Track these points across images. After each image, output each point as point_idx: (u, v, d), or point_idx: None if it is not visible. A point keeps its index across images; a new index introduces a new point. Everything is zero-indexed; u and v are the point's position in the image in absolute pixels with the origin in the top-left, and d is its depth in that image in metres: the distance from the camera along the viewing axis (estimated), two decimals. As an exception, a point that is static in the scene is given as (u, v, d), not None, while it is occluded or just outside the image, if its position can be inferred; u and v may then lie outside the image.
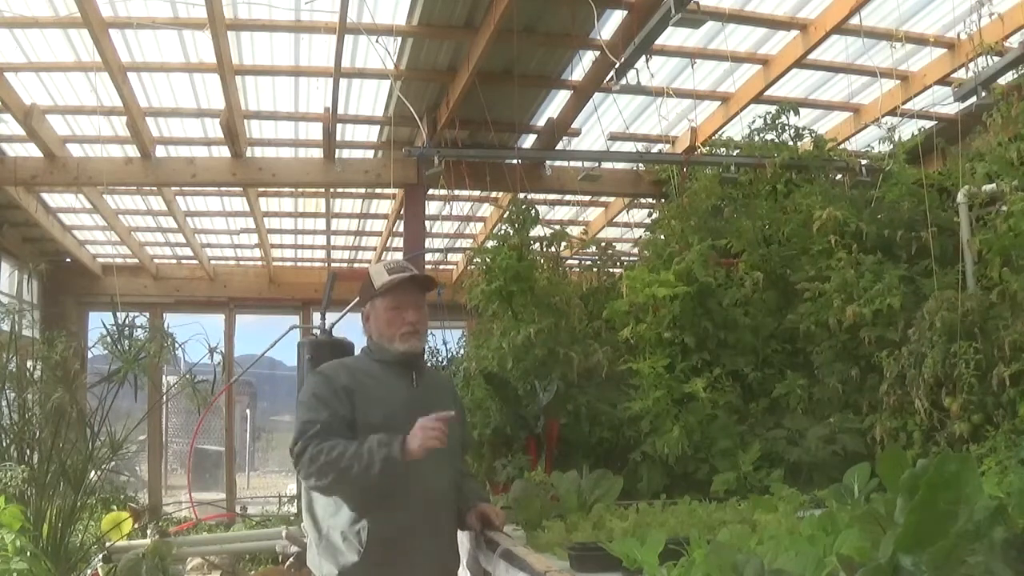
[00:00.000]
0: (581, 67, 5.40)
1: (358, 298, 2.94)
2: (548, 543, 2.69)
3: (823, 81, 6.01)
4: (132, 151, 6.36)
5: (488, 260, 5.12)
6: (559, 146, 6.39)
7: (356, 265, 10.32)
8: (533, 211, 5.35)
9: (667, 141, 6.72)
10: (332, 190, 7.79)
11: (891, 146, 5.67)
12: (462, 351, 6.24)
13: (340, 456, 2.46)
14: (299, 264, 10.88)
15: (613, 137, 6.63)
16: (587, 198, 8.16)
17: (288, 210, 8.69)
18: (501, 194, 7.66)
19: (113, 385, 5.12)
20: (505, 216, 5.65)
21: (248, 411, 17.42)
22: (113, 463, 5.56)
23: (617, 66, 4.63)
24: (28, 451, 5.06)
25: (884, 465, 1.82)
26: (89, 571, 5.30)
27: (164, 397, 8.33)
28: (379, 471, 2.44)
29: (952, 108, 5.59)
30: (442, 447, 2.49)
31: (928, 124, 6.06)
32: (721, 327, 4.83)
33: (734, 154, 6.31)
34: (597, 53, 5.08)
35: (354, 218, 9.03)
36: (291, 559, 2.85)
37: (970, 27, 4.66)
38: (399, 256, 8.22)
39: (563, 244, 5.59)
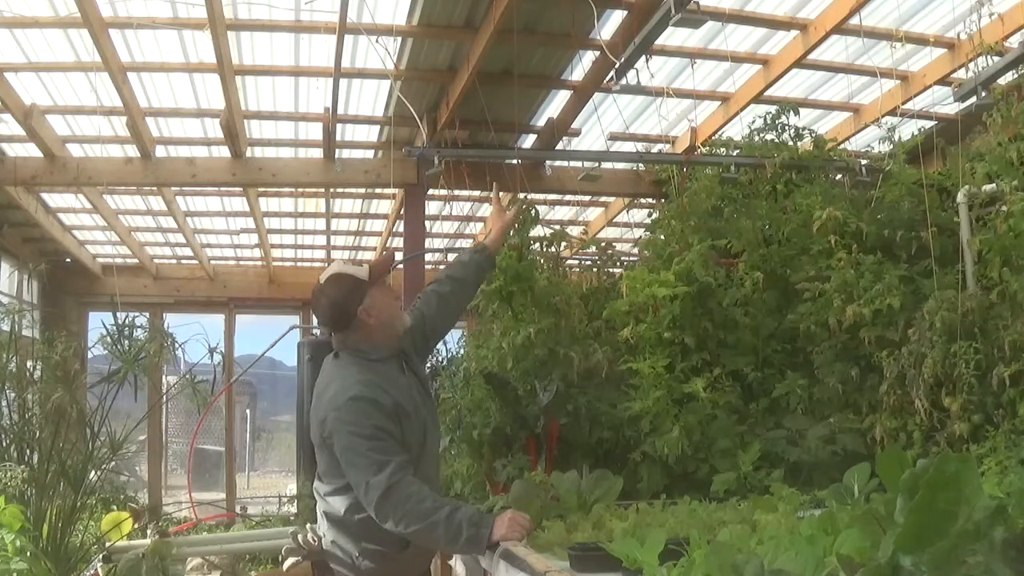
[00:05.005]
0: (581, 67, 5.39)
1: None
2: (548, 543, 2.68)
3: (823, 81, 6.01)
4: (132, 151, 6.35)
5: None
6: (559, 146, 6.38)
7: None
8: (533, 211, 5.35)
9: (667, 141, 6.72)
10: (332, 190, 7.79)
11: (891, 146, 5.67)
12: (462, 351, 6.24)
13: (429, 512, 2.50)
14: (299, 264, 10.88)
15: (613, 137, 6.63)
16: (587, 198, 8.15)
17: (288, 210, 8.69)
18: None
19: (113, 385, 5.12)
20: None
21: (248, 411, 17.41)
22: (113, 463, 5.55)
23: (617, 66, 4.62)
24: (28, 451, 5.06)
25: (884, 465, 1.82)
26: (89, 571, 5.30)
27: (164, 397, 8.33)
28: (461, 545, 2.53)
29: (952, 108, 5.58)
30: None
31: (928, 124, 6.05)
32: (721, 327, 4.82)
33: (734, 154, 6.30)
34: (597, 53, 5.08)
35: (354, 218, 9.02)
36: (296, 560, 2.81)
37: (970, 27, 4.65)
38: (398, 256, 8.21)
39: (563, 244, 5.58)
